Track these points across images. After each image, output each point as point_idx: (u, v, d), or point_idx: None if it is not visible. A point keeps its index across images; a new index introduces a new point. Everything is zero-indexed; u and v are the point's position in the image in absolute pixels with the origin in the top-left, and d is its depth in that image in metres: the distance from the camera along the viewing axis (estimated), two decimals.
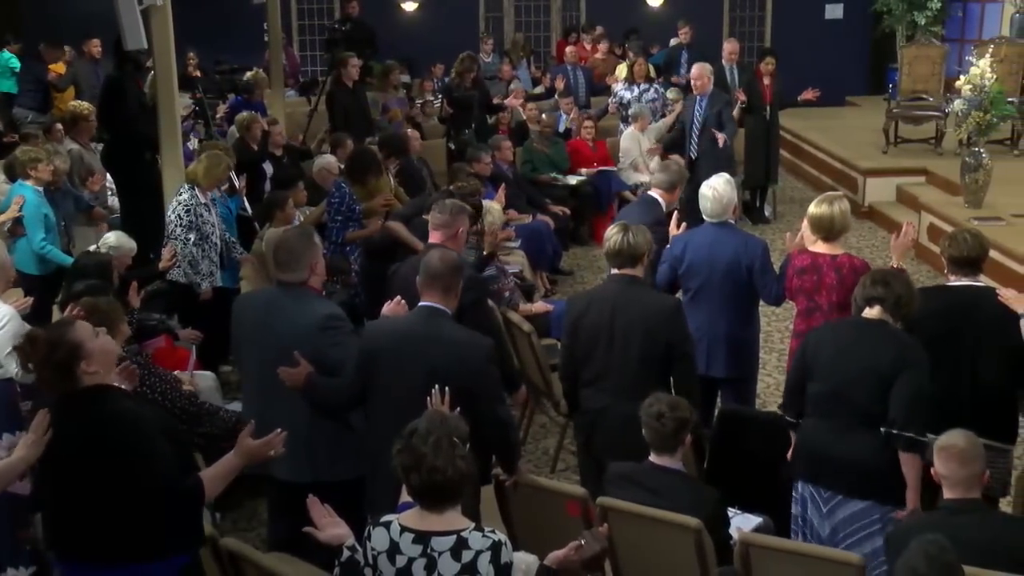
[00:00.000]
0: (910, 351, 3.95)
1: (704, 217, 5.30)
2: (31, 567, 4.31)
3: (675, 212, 5.66)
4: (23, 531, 4.28)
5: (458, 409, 3.44)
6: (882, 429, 3.88)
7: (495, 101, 10.81)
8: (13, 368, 4.51)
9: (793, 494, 4.21)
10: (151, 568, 3.25)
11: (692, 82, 9.35)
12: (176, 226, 6.31)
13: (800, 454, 4.15)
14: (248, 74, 10.01)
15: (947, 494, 3.43)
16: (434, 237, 4.83)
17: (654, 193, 5.88)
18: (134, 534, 3.21)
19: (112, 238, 6.13)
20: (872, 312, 4.04)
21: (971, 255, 4.46)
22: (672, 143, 9.79)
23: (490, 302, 5.97)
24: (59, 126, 8.47)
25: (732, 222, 5.36)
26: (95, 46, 11.78)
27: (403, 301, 4.21)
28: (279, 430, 3.43)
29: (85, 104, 8.64)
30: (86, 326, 3.34)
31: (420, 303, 4.00)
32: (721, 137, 9.03)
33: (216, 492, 3.37)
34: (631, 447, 4.07)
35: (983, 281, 4.55)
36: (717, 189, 5.22)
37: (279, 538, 4.28)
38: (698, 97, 9.27)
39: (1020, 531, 3.49)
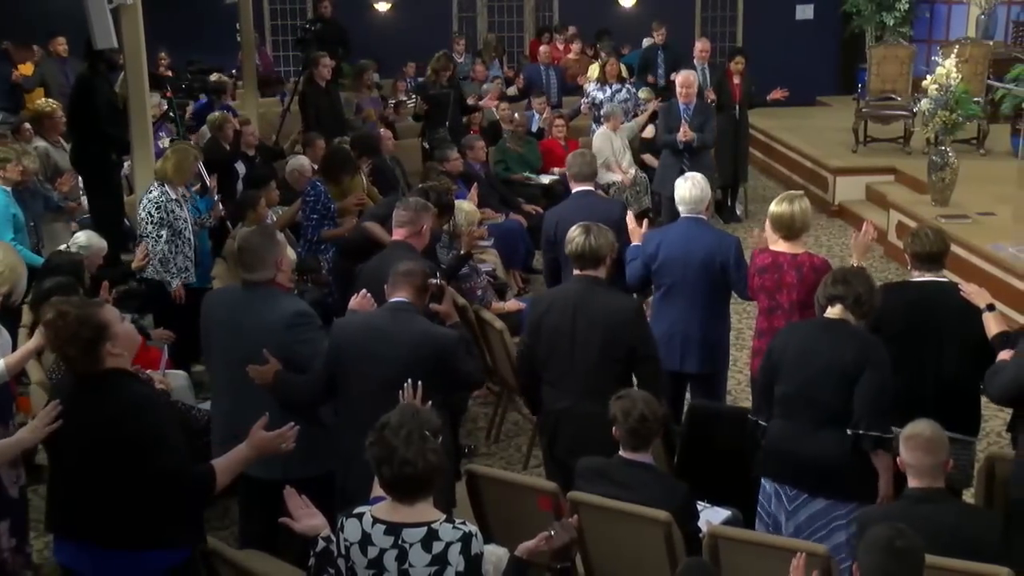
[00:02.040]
0: (872, 349, 4.00)
1: (679, 209, 5.35)
2: None
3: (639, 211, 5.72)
4: None
5: (430, 403, 3.48)
6: (848, 431, 3.92)
7: (469, 102, 10.84)
8: None
9: (761, 490, 4.25)
10: (155, 556, 3.29)
11: (679, 89, 8.81)
12: (147, 223, 6.28)
13: (768, 453, 4.19)
14: (213, 76, 9.97)
15: (912, 483, 3.50)
16: (398, 234, 4.86)
17: (587, 186, 5.90)
18: (142, 519, 3.24)
19: (83, 237, 6.11)
20: (834, 311, 4.09)
21: (933, 251, 4.52)
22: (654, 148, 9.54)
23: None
24: (28, 125, 8.42)
25: (705, 219, 5.43)
26: (61, 44, 11.69)
27: (369, 295, 4.24)
28: (291, 424, 3.48)
29: (51, 102, 8.60)
30: (113, 309, 3.41)
31: (390, 299, 4.04)
32: (685, 130, 8.55)
33: (226, 482, 3.40)
34: (593, 447, 4.12)
35: (946, 276, 4.63)
36: (696, 179, 5.30)
37: (251, 535, 4.29)
38: (683, 105, 8.77)
39: (982, 521, 3.58)
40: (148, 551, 3.28)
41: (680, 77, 8.92)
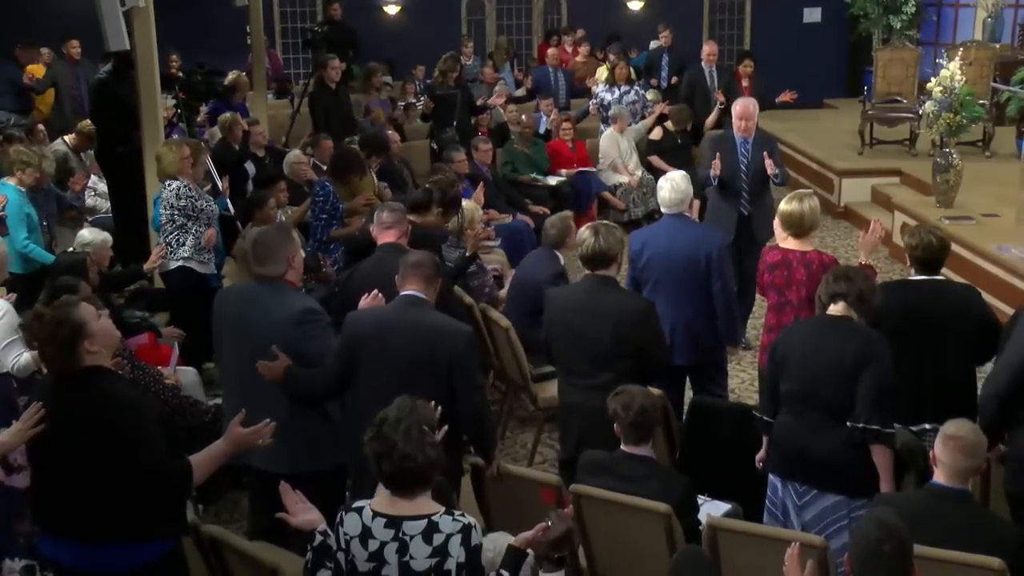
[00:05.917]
0: (872, 345, 4.02)
1: (662, 208, 5.42)
2: (23, 560, 4.37)
3: None
4: (20, 524, 4.33)
5: (434, 403, 3.55)
6: (848, 424, 3.96)
7: (478, 103, 10.92)
8: (9, 362, 4.58)
9: (769, 485, 4.27)
10: (136, 549, 3.34)
11: (736, 122, 7.00)
12: (169, 220, 6.34)
13: (775, 450, 4.23)
14: (230, 76, 10.06)
15: (938, 478, 3.47)
16: (389, 236, 4.92)
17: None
18: (123, 514, 3.30)
19: (87, 235, 6.14)
20: (836, 308, 4.13)
21: (937, 257, 4.59)
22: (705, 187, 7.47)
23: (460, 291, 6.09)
24: (41, 127, 8.53)
25: (688, 215, 5.45)
26: (74, 47, 11.77)
27: (380, 295, 4.31)
28: (268, 420, 3.53)
29: (88, 123, 8.70)
30: (90, 308, 3.45)
31: (401, 292, 4.11)
32: (771, 164, 6.83)
33: (204, 477, 3.46)
34: (599, 442, 4.18)
35: (943, 276, 4.68)
36: (675, 180, 5.34)
37: (261, 528, 4.35)
38: (740, 139, 6.96)
39: (1001, 533, 3.50)
40: (128, 545, 3.33)
41: (738, 107, 7.04)
